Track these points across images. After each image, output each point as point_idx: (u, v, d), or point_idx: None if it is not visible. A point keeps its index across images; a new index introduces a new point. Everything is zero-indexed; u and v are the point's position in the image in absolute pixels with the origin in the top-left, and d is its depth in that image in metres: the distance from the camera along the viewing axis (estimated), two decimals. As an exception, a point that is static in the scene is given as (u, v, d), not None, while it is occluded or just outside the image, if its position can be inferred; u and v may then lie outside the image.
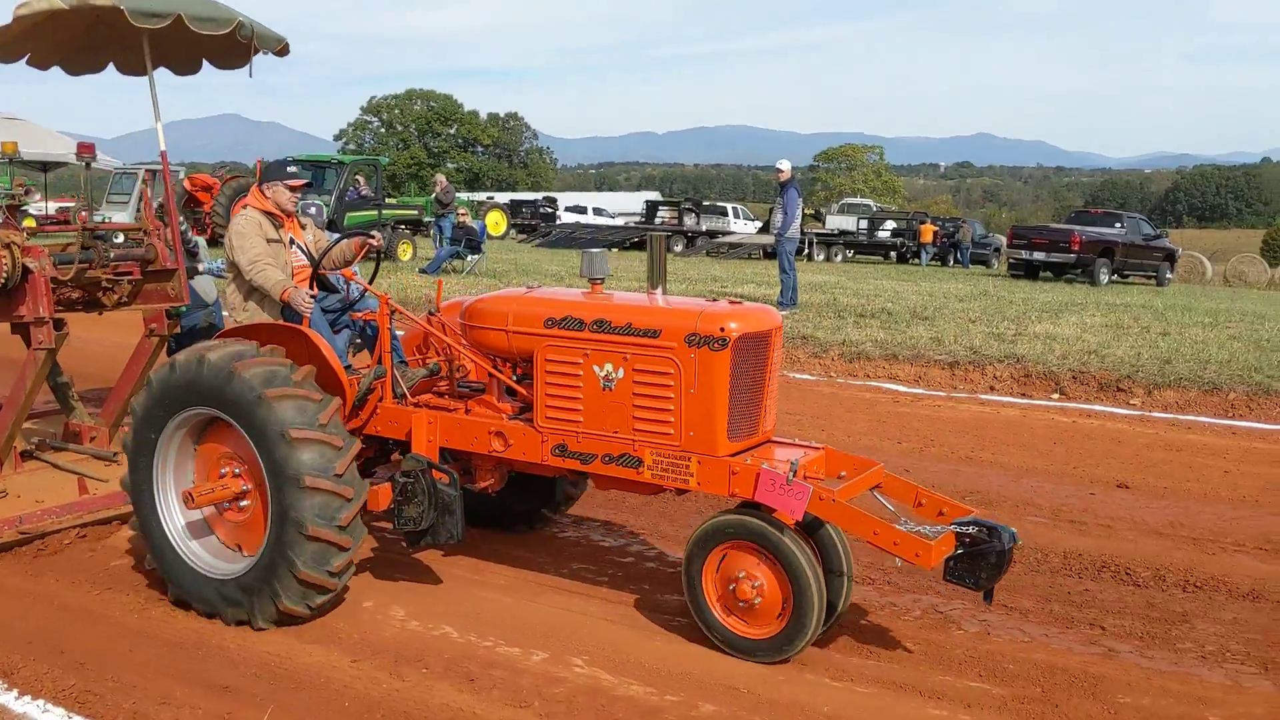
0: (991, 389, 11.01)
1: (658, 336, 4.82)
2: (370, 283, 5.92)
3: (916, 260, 35.29)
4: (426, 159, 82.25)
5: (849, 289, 20.00)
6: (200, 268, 8.81)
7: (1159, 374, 10.84)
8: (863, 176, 78.62)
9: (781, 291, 16.03)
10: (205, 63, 7.34)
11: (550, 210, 47.49)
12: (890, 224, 38.76)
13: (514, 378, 5.34)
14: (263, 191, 5.99)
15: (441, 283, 6.78)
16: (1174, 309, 18.10)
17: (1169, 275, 27.05)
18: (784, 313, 12.20)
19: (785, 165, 16.55)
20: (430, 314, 5.71)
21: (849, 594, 4.99)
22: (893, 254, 37.14)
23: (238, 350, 5.02)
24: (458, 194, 27.61)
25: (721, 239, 37.21)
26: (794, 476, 4.56)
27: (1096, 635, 5.14)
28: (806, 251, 33.68)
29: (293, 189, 6.01)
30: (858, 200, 50.96)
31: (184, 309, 7.37)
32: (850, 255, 37.11)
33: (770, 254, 28.77)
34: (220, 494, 5.17)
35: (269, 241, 5.80)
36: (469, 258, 21.27)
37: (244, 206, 5.94)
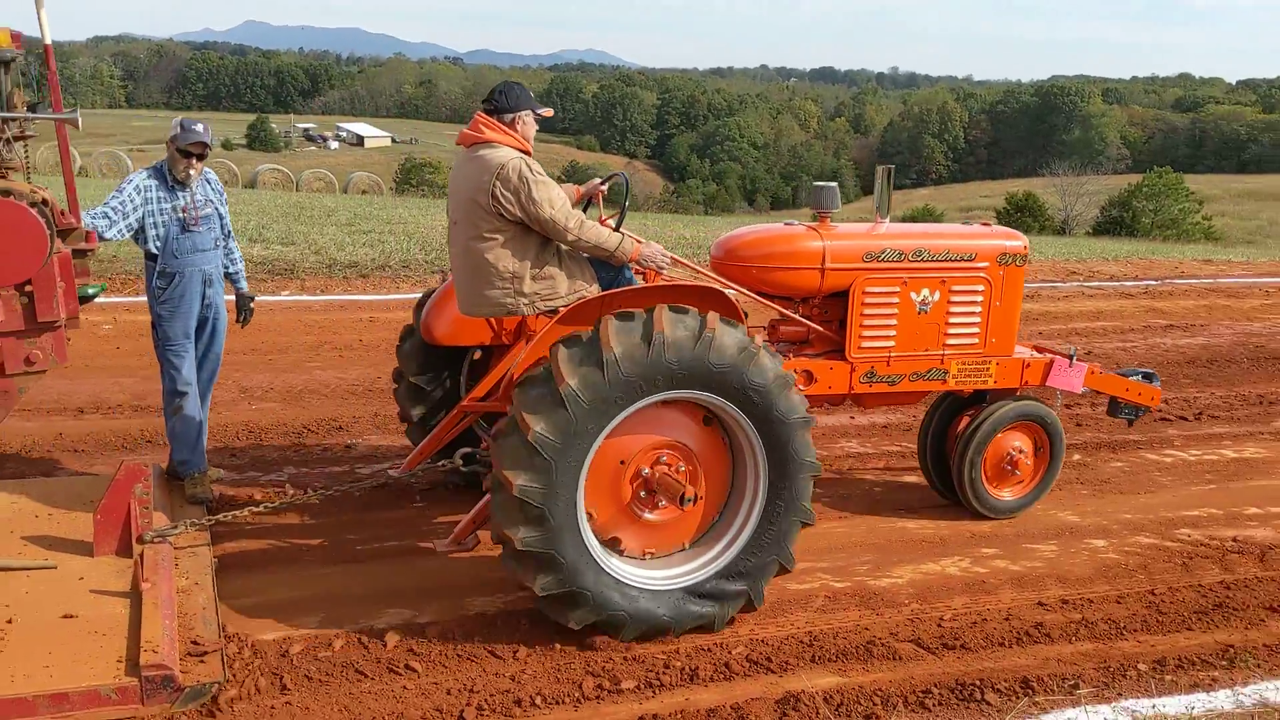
0: None
1: (973, 259, 5.69)
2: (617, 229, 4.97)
3: None
4: None
5: None
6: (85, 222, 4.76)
7: None
8: None
9: None
10: None
11: None
12: None
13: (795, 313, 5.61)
14: (504, 124, 4.59)
15: None
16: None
17: None
18: None
19: None
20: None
21: None
22: None
23: (728, 328, 4.38)
24: None
25: None
26: (1074, 359, 5.88)
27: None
28: None
29: (542, 117, 4.74)
30: None
31: (100, 287, 4.79)
32: None
33: None
34: (678, 489, 4.42)
35: None
36: None
37: (490, 144, 4.52)
